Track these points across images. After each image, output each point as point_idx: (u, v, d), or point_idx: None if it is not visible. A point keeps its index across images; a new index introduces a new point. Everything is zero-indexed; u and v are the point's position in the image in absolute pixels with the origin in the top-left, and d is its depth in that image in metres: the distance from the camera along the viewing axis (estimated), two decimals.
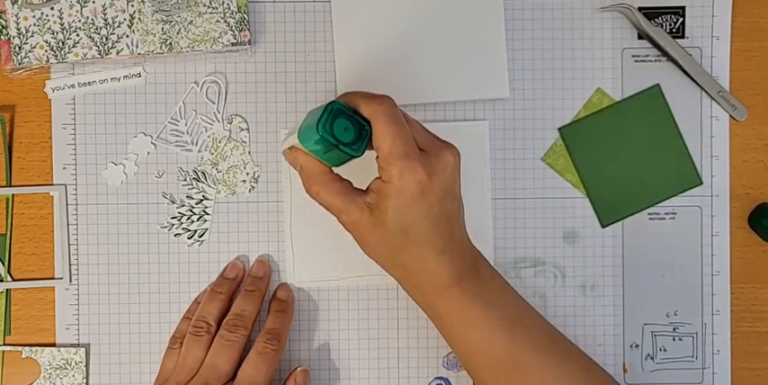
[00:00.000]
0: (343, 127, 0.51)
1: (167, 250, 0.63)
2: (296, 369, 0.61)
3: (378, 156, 0.51)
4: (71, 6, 0.60)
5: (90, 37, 0.60)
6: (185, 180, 0.63)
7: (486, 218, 0.63)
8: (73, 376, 0.62)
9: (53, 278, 0.63)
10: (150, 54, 0.61)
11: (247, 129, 0.63)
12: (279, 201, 0.63)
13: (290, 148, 0.54)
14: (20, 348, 0.62)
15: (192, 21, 0.61)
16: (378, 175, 0.52)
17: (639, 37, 0.64)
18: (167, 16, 0.61)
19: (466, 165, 0.63)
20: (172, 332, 0.62)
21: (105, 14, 0.60)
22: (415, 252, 0.52)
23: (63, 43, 0.60)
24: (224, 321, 0.59)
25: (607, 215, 0.64)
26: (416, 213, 0.51)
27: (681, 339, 0.64)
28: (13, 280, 0.63)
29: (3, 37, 0.60)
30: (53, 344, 0.63)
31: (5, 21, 0.60)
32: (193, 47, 0.61)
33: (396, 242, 0.52)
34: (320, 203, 0.53)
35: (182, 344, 0.59)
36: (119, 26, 0.60)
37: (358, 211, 0.52)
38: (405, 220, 0.51)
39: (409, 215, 0.51)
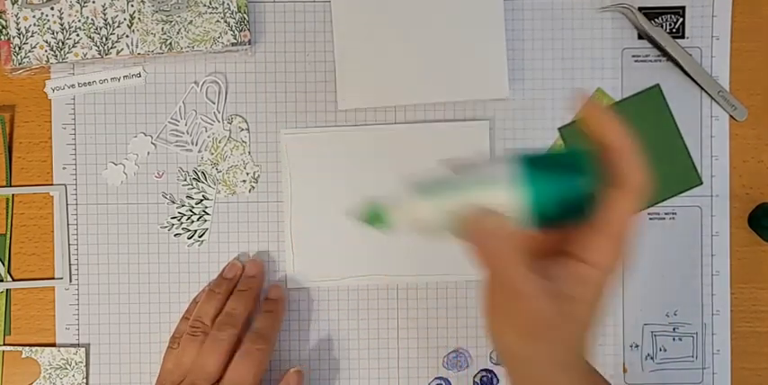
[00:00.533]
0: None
1: (167, 250, 0.63)
2: (289, 370, 0.60)
3: (586, 226, 0.41)
4: (71, 6, 0.60)
5: (90, 37, 0.60)
6: (185, 180, 0.63)
7: None
8: (73, 376, 0.62)
9: (53, 278, 0.63)
10: (150, 54, 0.61)
11: (247, 129, 0.63)
12: (279, 201, 0.63)
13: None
14: (20, 348, 0.62)
15: (191, 21, 0.61)
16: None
17: (639, 37, 0.64)
18: (167, 16, 0.61)
19: None
20: (172, 332, 0.62)
21: (105, 14, 0.60)
22: (585, 349, 0.43)
23: (63, 43, 0.60)
24: (215, 321, 0.59)
25: None
26: (603, 307, 0.42)
27: (681, 339, 0.64)
28: (13, 280, 0.63)
29: (3, 37, 0.60)
30: (53, 344, 0.63)
31: (5, 21, 0.60)
32: (193, 47, 0.61)
33: (577, 339, 0.42)
34: (490, 270, 0.41)
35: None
36: (119, 26, 0.60)
37: (545, 300, 0.40)
38: (598, 313, 0.41)
39: (601, 309, 0.41)
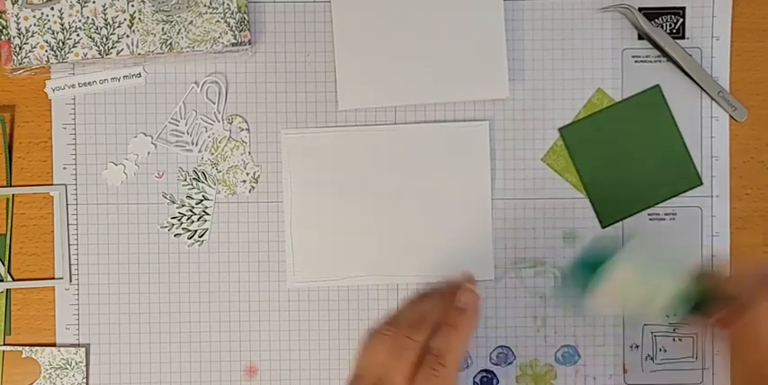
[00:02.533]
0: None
1: (167, 250, 0.63)
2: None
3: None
4: (71, 6, 0.60)
5: (90, 37, 0.60)
6: (185, 180, 0.63)
7: (486, 218, 0.63)
8: (73, 376, 0.62)
9: (53, 278, 0.63)
10: (150, 54, 0.61)
11: (247, 129, 0.63)
12: (279, 201, 0.63)
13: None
14: (20, 348, 0.62)
15: (192, 21, 0.61)
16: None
17: (639, 37, 0.64)
18: (167, 16, 0.61)
19: (466, 166, 0.63)
20: (171, 332, 0.63)
21: (105, 14, 0.60)
22: None
23: (63, 43, 0.60)
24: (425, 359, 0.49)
25: (607, 215, 0.64)
26: None
27: (681, 339, 0.64)
28: (13, 280, 0.63)
29: (3, 37, 0.60)
30: (53, 344, 0.63)
31: (6, 21, 0.60)
32: (193, 47, 0.61)
33: None
34: None
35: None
36: (119, 26, 0.60)
37: None
38: None
39: None
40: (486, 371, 0.64)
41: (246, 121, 0.63)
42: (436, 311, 0.51)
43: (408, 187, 0.63)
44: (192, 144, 0.63)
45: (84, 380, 0.62)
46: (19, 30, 0.60)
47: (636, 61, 0.64)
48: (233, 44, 0.61)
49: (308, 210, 0.62)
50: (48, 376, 0.62)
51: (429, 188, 0.63)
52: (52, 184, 0.63)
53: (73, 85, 0.63)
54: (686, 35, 0.64)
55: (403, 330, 0.49)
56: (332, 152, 0.63)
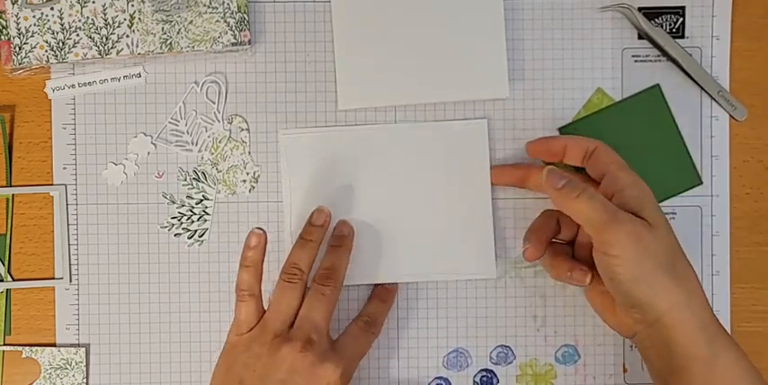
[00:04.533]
0: None
1: (167, 250, 0.63)
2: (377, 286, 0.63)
3: (604, 181, 0.56)
4: (71, 6, 0.60)
5: (90, 37, 0.60)
6: (185, 180, 0.63)
7: (486, 215, 0.63)
8: (73, 376, 0.62)
9: (53, 278, 0.63)
10: (150, 54, 0.61)
11: (247, 129, 0.63)
12: (279, 201, 0.63)
13: None
14: (20, 348, 0.62)
15: (192, 21, 0.61)
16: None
17: (639, 37, 0.64)
18: (167, 16, 0.61)
19: (465, 165, 0.63)
20: (171, 332, 0.63)
21: (105, 14, 0.60)
22: (686, 264, 0.55)
23: (63, 43, 0.60)
24: (315, 275, 0.59)
25: None
26: (663, 215, 0.56)
27: None
28: (13, 280, 0.63)
29: (3, 37, 0.60)
30: (53, 344, 0.63)
31: (5, 21, 0.60)
32: (193, 47, 0.61)
33: (670, 247, 0.54)
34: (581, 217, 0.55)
35: (251, 295, 0.58)
36: (119, 26, 0.60)
37: (630, 215, 0.54)
38: (664, 219, 0.55)
39: (663, 215, 0.55)
40: (486, 370, 0.64)
41: (246, 121, 0.63)
42: (337, 260, 0.60)
43: (408, 186, 0.63)
44: (192, 144, 0.63)
45: (84, 380, 0.62)
46: (19, 30, 0.60)
47: (636, 61, 0.64)
48: (233, 44, 0.61)
49: (308, 210, 0.62)
50: (48, 376, 0.62)
51: (429, 186, 0.63)
52: (52, 184, 0.63)
53: (73, 85, 0.63)
54: (686, 35, 0.64)
55: (325, 281, 0.59)
56: (331, 151, 0.63)
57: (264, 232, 0.60)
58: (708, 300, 0.54)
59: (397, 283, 0.63)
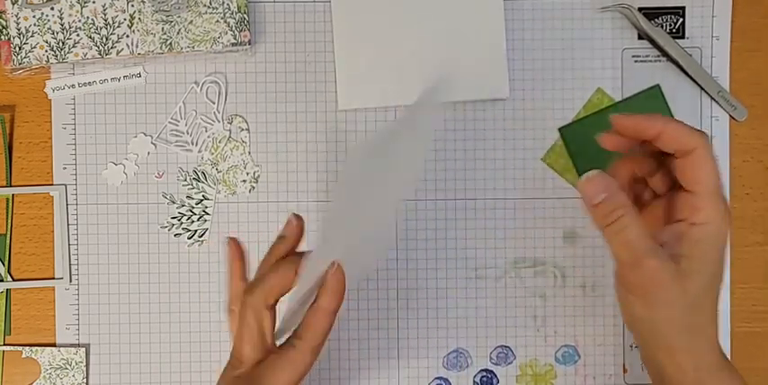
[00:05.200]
0: None
1: (167, 250, 0.63)
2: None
3: (685, 192, 0.46)
4: (71, 6, 0.60)
5: (90, 37, 0.60)
6: (185, 180, 0.63)
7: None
8: (73, 376, 0.62)
9: (53, 278, 0.63)
10: (150, 54, 0.61)
11: (247, 129, 0.63)
12: (279, 201, 0.63)
13: None
14: (20, 348, 0.62)
15: (192, 21, 0.61)
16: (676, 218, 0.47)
17: (639, 37, 0.64)
18: (167, 16, 0.61)
19: None
20: (171, 332, 0.63)
21: (105, 14, 0.60)
22: (709, 313, 0.46)
23: (63, 43, 0.60)
24: None
25: None
26: (722, 265, 0.46)
27: None
28: (13, 280, 0.63)
29: (3, 37, 0.60)
30: (53, 345, 0.63)
31: (5, 21, 0.60)
32: (193, 47, 0.61)
33: (697, 299, 0.45)
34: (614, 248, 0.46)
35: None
36: (119, 26, 0.60)
37: (659, 262, 0.45)
38: (716, 271, 0.46)
39: (719, 266, 0.46)
40: (486, 370, 0.64)
41: (246, 121, 0.63)
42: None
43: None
44: (192, 144, 0.63)
45: (84, 380, 0.62)
46: (19, 30, 0.60)
47: (636, 61, 0.64)
48: (233, 44, 0.61)
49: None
50: (48, 376, 0.62)
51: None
52: (52, 184, 0.63)
53: (73, 85, 0.63)
54: (686, 35, 0.64)
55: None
56: None
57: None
58: (718, 342, 0.48)
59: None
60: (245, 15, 0.61)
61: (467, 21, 0.62)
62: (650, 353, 0.48)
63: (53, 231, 0.63)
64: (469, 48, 0.62)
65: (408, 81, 0.62)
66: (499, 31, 0.62)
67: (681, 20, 0.64)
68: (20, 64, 0.60)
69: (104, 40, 0.60)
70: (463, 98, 0.62)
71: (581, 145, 0.64)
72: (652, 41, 0.64)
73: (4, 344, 0.63)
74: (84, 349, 0.62)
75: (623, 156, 0.51)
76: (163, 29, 0.61)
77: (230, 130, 0.63)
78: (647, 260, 0.45)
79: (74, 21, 0.60)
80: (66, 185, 0.63)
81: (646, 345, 0.48)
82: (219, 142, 0.63)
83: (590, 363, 0.64)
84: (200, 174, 0.63)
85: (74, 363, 0.62)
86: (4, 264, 0.63)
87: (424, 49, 0.62)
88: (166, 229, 0.63)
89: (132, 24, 0.61)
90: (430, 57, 0.62)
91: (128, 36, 0.61)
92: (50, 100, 0.63)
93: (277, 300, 0.49)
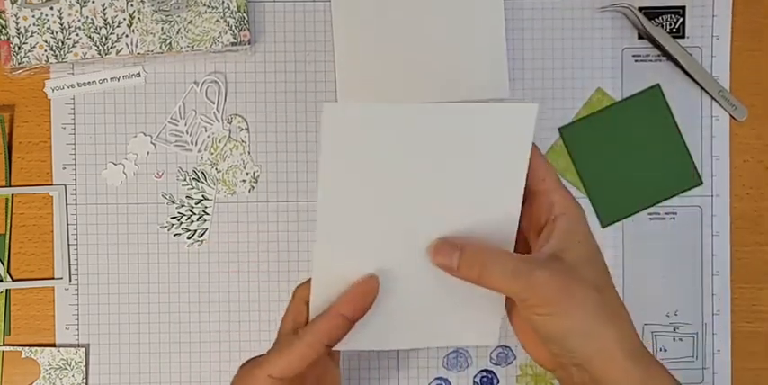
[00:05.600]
0: None
1: (167, 250, 0.63)
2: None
3: (534, 190, 0.48)
4: (71, 6, 0.60)
5: (90, 37, 0.60)
6: (185, 180, 0.63)
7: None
8: (73, 376, 0.62)
9: (53, 278, 0.63)
10: (150, 54, 0.61)
11: (247, 129, 0.63)
12: (278, 201, 0.63)
13: None
14: (20, 348, 0.62)
15: (191, 20, 0.61)
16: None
17: (639, 37, 0.64)
18: (167, 16, 0.61)
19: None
20: (171, 332, 0.63)
21: (105, 14, 0.60)
22: (614, 292, 0.47)
23: (62, 43, 0.60)
24: None
25: (607, 215, 0.64)
26: (594, 242, 0.48)
27: (681, 339, 0.64)
28: (13, 280, 0.63)
29: (2, 37, 0.60)
30: (53, 345, 0.63)
31: (5, 20, 0.60)
32: (193, 47, 0.61)
33: (597, 280, 0.46)
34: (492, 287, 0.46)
35: None
36: (118, 26, 0.60)
37: (546, 271, 0.45)
38: (592, 248, 0.48)
39: (593, 244, 0.48)
40: (486, 370, 0.64)
41: (246, 121, 0.63)
42: None
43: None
44: (192, 144, 0.63)
45: (84, 381, 0.62)
46: (18, 29, 0.60)
47: (636, 61, 0.64)
48: (233, 44, 0.61)
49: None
50: (47, 376, 0.62)
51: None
52: (52, 184, 0.63)
53: (72, 85, 0.63)
54: (686, 34, 0.64)
55: None
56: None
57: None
58: (634, 326, 0.48)
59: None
60: (245, 15, 0.61)
61: (467, 21, 0.61)
62: (580, 361, 0.46)
63: (53, 231, 0.63)
64: (469, 48, 0.62)
65: (409, 81, 0.62)
66: (499, 30, 0.62)
67: (681, 19, 0.64)
68: (19, 64, 0.60)
69: (104, 39, 0.60)
70: (463, 98, 0.62)
71: (581, 145, 0.64)
72: (652, 41, 0.64)
73: (4, 345, 0.63)
74: (83, 349, 0.62)
75: None
76: (162, 29, 0.61)
77: (230, 130, 0.63)
78: (538, 272, 0.45)
79: (73, 20, 0.60)
80: (65, 185, 0.63)
81: (567, 354, 0.47)
82: (219, 142, 0.63)
83: None
84: (199, 173, 0.63)
85: (73, 364, 0.62)
86: (3, 265, 0.63)
87: (424, 50, 0.62)
88: (166, 229, 0.63)
89: (132, 24, 0.60)
90: (430, 57, 0.62)
91: (127, 36, 0.61)
92: (50, 100, 0.63)
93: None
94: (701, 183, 0.64)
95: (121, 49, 0.61)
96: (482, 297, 0.49)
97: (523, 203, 0.48)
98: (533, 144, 0.47)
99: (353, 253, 0.48)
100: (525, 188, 0.47)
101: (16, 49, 0.60)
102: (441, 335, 0.52)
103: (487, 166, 0.47)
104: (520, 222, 0.48)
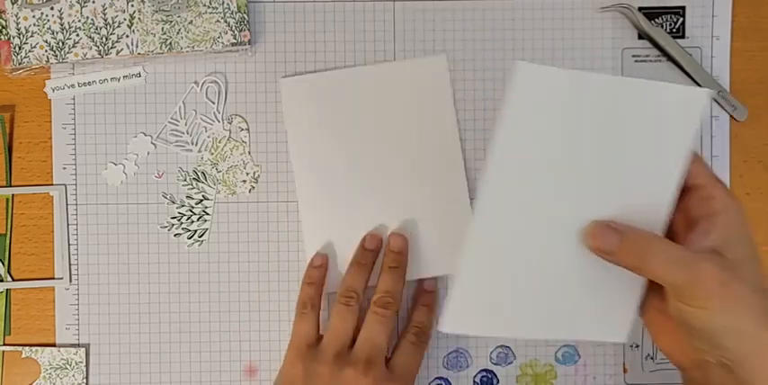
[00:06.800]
0: None
1: (167, 250, 0.63)
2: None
3: (689, 182, 0.48)
4: (71, 6, 0.60)
5: (90, 37, 0.60)
6: (185, 180, 0.63)
7: (455, 148, 0.62)
8: (73, 376, 0.62)
9: (53, 278, 0.63)
10: (150, 54, 0.61)
11: (247, 129, 0.63)
12: (278, 201, 0.63)
13: None
14: (20, 348, 0.62)
15: (191, 21, 0.61)
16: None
17: (639, 37, 0.64)
18: (167, 16, 0.61)
19: (427, 101, 0.62)
20: (171, 332, 0.63)
21: (105, 14, 0.60)
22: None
23: (63, 43, 0.60)
24: (374, 298, 0.59)
25: None
26: (753, 241, 0.47)
27: None
28: (13, 280, 0.63)
29: (3, 37, 0.60)
30: (53, 345, 0.63)
31: (5, 21, 0.60)
32: (193, 47, 0.61)
33: (754, 282, 0.45)
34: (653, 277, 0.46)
35: (312, 306, 0.60)
36: (119, 26, 0.60)
37: (711, 264, 0.45)
38: (753, 249, 0.47)
39: (752, 243, 0.47)
40: (486, 370, 0.64)
41: (246, 121, 0.63)
42: (393, 283, 0.59)
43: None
44: (192, 144, 0.63)
45: (84, 381, 0.62)
46: (18, 30, 0.60)
47: (636, 61, 0.64)
48: (233, 44, 0.61)
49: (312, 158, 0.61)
50: (48, 376, 0.62)
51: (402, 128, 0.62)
52: (52, 184, 0.63)
53: (72, 85, 0.63)
54: (686, 35, 0.64)
55: (386, 305, 0.58)
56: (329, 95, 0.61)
57: (327, 255, 0.62)
58: None
59: (435, 278, 0.63)
60: (245, 15, 0.61)
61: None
62: (730, 361, 0.46)
63: (53, 231, 0.63)
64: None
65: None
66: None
67: (681, 19, 0.64)
68: (19, 64, 0.60)
69: (104, 39, 0.60)
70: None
71: None
72: (652, 41, 0.64)
73: (4, 344, 0.63)
74: (83, 349, 0.62)
75: None
76: (163, 29, 0.61)
77: (230, 130, 0.63)
78: (702, 264, 0.44)
79: (73, 21, 0.60)
80: (65, 185, 0.63)
81: (715, 352, 0.46)
82: (219, 142, 0.63)
83: (590, 363, 0.64)
84: (199, 174, 0.63)
85: (74, 363, 0.62)
86: (3, 264, 0.63)
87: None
88: (166, 229, 0.63)
89: (132, 24, 0.61)
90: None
91: (127, 36, 0.61)
92: (50, 100, 0.63)
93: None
94: None
95: (122, 49, 0.61)
96: (618, 291, 0.48)
97: None
98: None
99: (507, 230, 0.48)
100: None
101: (17, 49, 0.60)
102: (570, 327, 0.50)
103: (649, 150, 0.47)
104: None
